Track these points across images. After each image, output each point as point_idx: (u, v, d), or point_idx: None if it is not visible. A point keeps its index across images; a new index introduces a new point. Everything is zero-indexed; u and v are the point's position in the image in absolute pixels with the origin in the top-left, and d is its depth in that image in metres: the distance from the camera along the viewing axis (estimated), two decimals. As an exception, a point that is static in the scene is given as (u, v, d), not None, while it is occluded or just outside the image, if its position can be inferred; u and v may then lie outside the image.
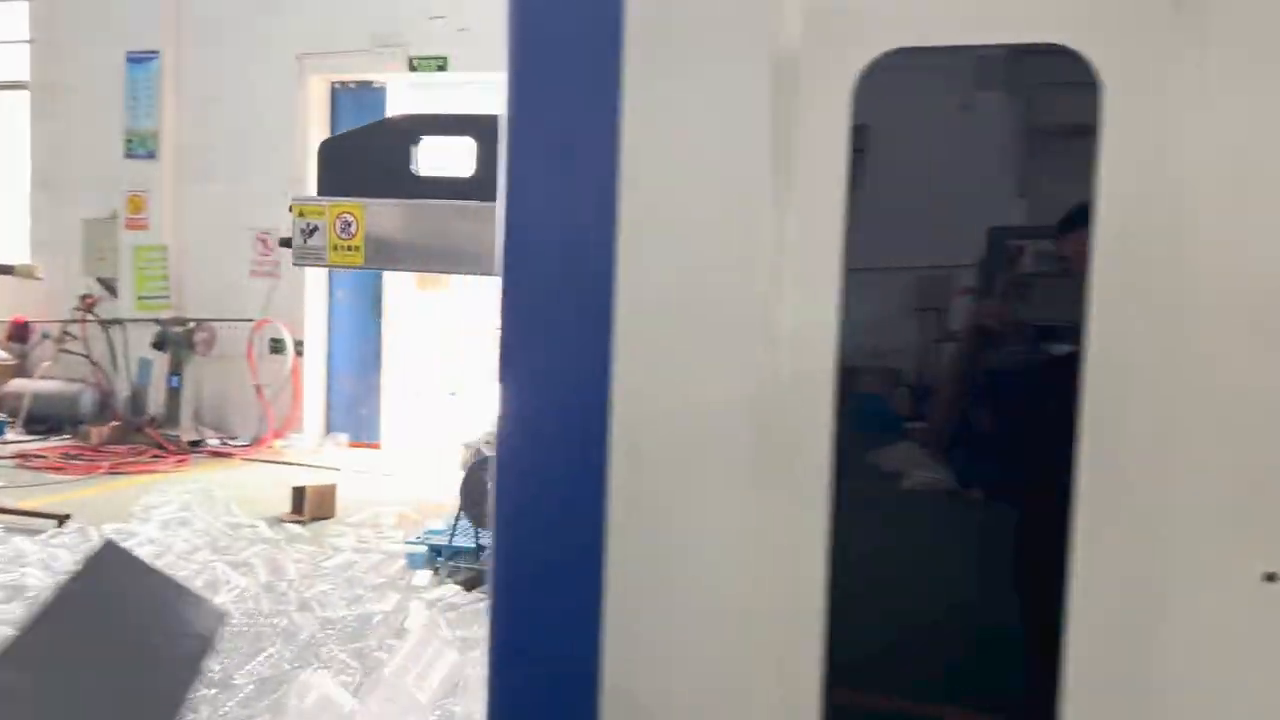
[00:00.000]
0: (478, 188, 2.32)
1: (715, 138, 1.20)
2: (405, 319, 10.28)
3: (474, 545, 5.90)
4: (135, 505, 6.69)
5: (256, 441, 9.32)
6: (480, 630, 4.68)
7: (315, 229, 2.37)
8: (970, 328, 1.17)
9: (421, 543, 6.04)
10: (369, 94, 9.54)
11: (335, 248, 2.37)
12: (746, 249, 1.20)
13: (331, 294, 9.68)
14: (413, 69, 8.98)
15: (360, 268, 2.40)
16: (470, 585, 5.47)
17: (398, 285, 9.80)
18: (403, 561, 5.69)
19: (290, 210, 2.43)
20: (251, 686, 3.89)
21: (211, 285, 9.56)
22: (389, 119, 2.45)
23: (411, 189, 2.39)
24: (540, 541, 1.30)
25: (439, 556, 5.87)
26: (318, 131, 9.47)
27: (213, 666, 4.07)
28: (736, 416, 1.21)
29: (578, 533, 1.27)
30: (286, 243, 2.52)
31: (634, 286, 1.23)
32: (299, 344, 9.46)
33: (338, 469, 8.38)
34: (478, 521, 5.73)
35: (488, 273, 2.46)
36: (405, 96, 9.61)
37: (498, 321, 1.33)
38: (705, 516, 1.23)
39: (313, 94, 9.42)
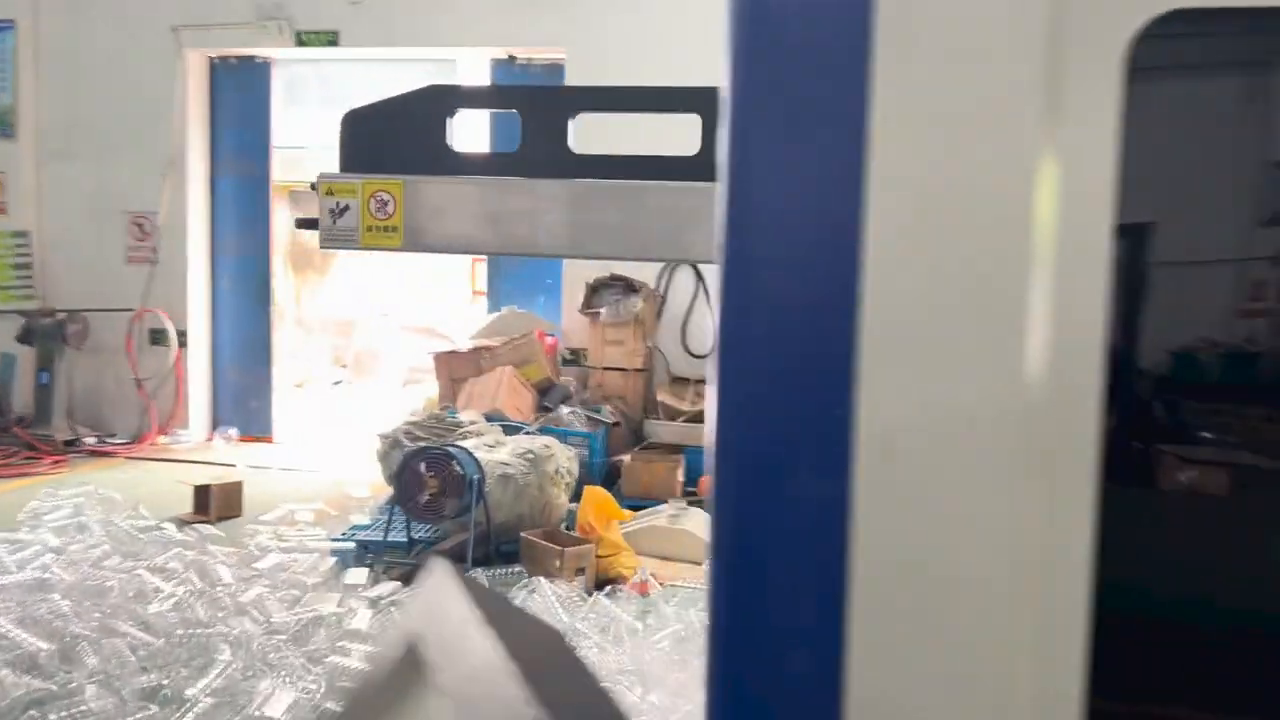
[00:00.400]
0: (523, 164, 2.19)
1: (977, 111, 1.13)
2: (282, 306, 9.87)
3: (406, 540, 5.70)
4: (20, 512, 6.19)
5: (138, 439, 8.78)
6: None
7: (346, 208, 2.19)
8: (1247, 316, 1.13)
9: (349, 539, 5.79)
10: (252, 70, 9.06)
11: (370, 229, 2.20)
12: (1008, 233, 1.13)
13: (215, 281, 9.18)
14: (301, 43, 8.56)
15: (399, 250, 2.22)
16: (408, 580, 5.27)
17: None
18: (333, 560, 5.43)
19: (315, 188, 2.23)
20: (208, 701, 3.63)
21: (82, 273, 8.94)
22: (420, 90, 2.28)
23: (447, 165, 2.24)
24: (777, 553, 1.20)
25: (369, 553, 5.63)
26: (196, 109, 8.96)
27: (160, 682, 3.79)
28: (999, 412, 1.14)
29: (820, 542, 1.19)
30: (307, 224, 2.32)
31: (883, 273, 1.14)
32: (182, 334, 8.95)
33: (233, 465, 7.97)
34: (413, 515, 5.53)
35: (540, 253, 2.32)
36: (292, 73, 9.19)
37: (718, 312, 1.22)
38: (966, 521, 1.16)
39: (190, 69, 8.88)
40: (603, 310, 7.59)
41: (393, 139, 2.25)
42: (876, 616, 1.18)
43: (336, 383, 12.55)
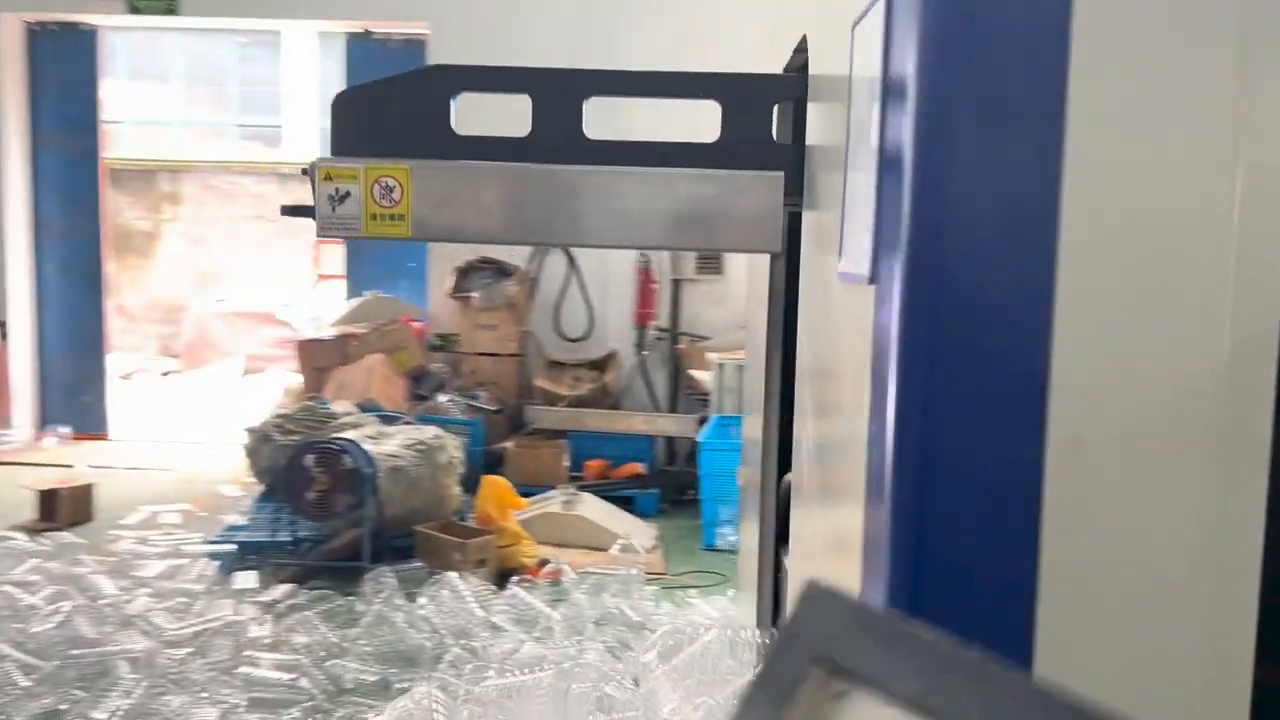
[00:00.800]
0: (534, 149, 2.10)
1: (1171, 105, 1.15)
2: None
3: (291, 539, 5.42)
4: None
5: (-46, 440, 8.01)
6: (338, 631, 4.31)
7: (347, 195, 2.05)
8: None
9: (227, 541, 5.46)
10: (75, 37, 8.35)
11: (374, 217, 2.06)
12: (1202, 224, 1.16)
13: (40, 267, 8.45)
14: (135, 10, 7.95)
15: (407, 239, 2.10)
16: (301, 580, 5.02)
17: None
18: (215, 564, 5.11)
19: (308, 173, 2.07)
20: (118, 725, 3.35)
21: (-119, 259, 8.05)
22: (421, 70, 2.14)
23: (451, 149, 2.12)
24: (961, 547, 1.20)
25: (251, 554, 5.33)
26: (11, 79, 8.20)
27: (58, 707, 3.48)
28: (1193, 399, 1.17)
29: (1008, 536, 1.19)
30: (296, 211, 2.15)
31: (1078, 263, 1.15)
32: (1, 325, 8.20)
33: (70, 466, 7.37)
34: (302, 513, 5.27)
35: (561, 243, 2.23)
36: (122, 42, 8.53)
37: (899, 301, 1.20)
38: (1159, 512, 1.19)
39: (4, 35, 8.11)
40: (475, 294, 7.42)
41: (391, 122, 2.12)
42: (1064, 609, 1.20)
43: (167, 373, 11.83)
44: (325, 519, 5.27)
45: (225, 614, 4.38)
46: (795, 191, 2.04)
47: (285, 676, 3.80)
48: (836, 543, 1.62)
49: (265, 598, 4.69)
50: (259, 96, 15.93)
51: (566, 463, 6.65)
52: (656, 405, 7.57)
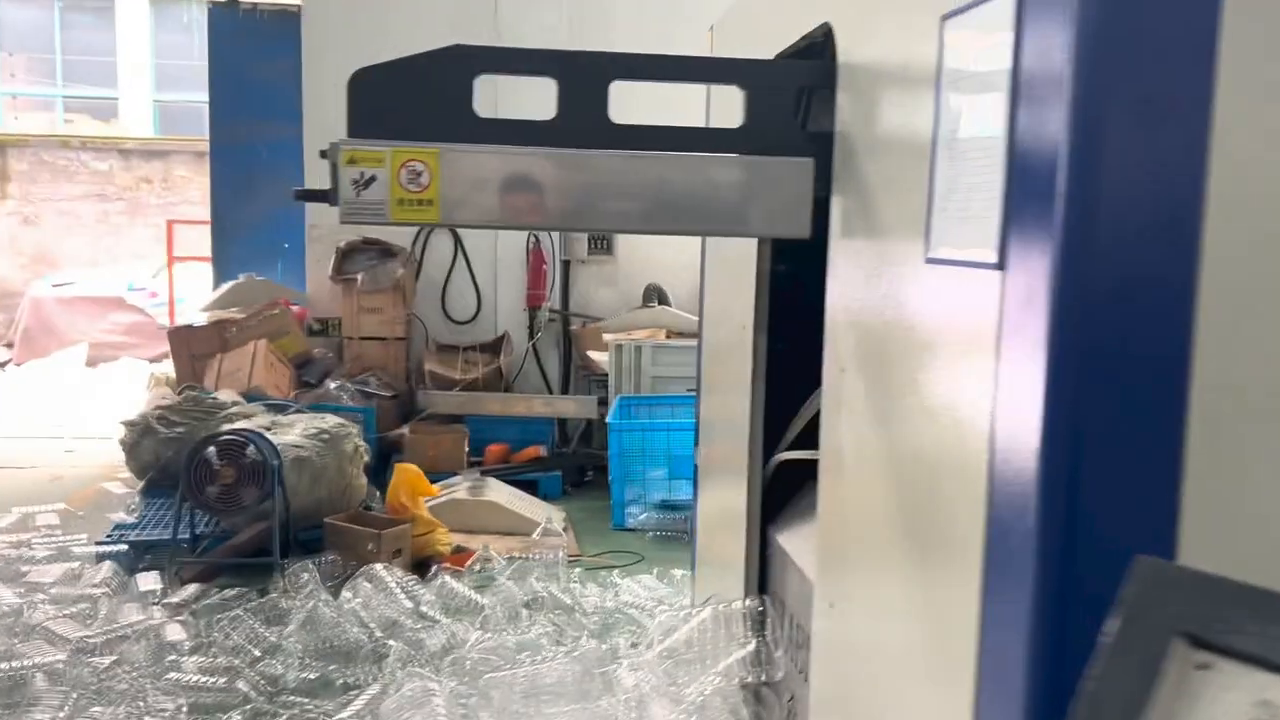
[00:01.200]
0: (559, 133, 2.07)
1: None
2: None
3: (190, 537, 5.15)
4: None
5: None
6: (265, 630, 4.14)
7: (373, 179, 1.96)
8: None
9: (118, 541, 5.15)
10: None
11: (401, 201, 1.97)
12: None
13: None
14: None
15: (435, 224, 2.03)
16: (207, 579, 4.79)
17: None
18: (114, 566, 4.81)
19: (327, 155, 1.98)
20: (49, 742, 3.14)
21: None
22: (441, 50, 2.07)
23: (472, 132, 2.07)
24: (1100, 526, 1.26)
25: (147, 554, 5.04)
26: None
27: (-23, 729, 3.23)
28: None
29: (1147, 515, 1.26)
30: (310, 195, 2.05)
31: (1220, 250, 1.23)
32: None
33: (-85, 467, 6.81)
34: (206, 509, 5.02)
35: (594, 229, 2.19)
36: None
37: (1053, 281, 1.24)
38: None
39: None
40: (360, 276, 7.20)
41: (409, 103, 2.04)
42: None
43: (1, 364, 11.01)
44: (231, 514, 5.04)
45: (136, 618, 4.14)
46: (821, 177, 2.07)
47: (219, 680, 3.63)
48: (908, 519, 1.67)
49: (174, 599, 4.46)
50: (89, 67, 14.96)
51: (467, 448, 6.56)
52: (549, 387, 7.53)
